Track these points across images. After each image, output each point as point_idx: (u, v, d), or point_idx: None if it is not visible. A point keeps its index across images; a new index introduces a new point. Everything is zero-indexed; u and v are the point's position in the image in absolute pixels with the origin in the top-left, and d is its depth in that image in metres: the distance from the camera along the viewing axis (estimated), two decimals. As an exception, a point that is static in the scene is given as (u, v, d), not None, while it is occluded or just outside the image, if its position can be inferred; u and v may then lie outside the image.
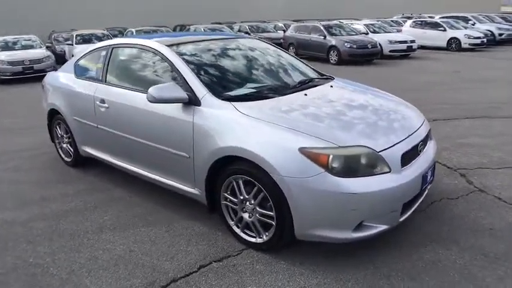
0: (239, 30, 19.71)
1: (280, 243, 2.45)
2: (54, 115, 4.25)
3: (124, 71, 3.34)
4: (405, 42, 14.49)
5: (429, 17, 23.29)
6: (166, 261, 2.52)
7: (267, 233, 2.49)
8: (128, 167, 3.38)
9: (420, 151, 2.60)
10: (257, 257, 2.52)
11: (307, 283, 2.26)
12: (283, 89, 2.96)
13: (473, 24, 18.54)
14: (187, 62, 2.89)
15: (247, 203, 2.52)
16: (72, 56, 13.22)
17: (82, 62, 3.89)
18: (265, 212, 2.43)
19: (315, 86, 3.09)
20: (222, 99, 2.62)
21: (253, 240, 2.57)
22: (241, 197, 2.53)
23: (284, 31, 19.19)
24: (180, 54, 2.97)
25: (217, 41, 3.43)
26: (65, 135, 4.20)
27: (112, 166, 3.69)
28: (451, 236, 2.69)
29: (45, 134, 5.58)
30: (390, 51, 14.42)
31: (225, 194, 2.63)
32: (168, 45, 3.06)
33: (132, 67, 3.29)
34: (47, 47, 13.77)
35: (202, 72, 2.86)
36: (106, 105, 3.33)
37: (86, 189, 3.70)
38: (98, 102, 3.42)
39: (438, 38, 16.85)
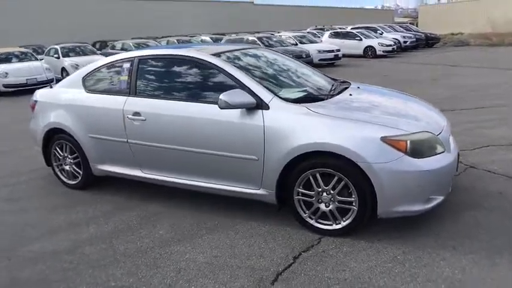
0: (167, 44, 19.45)
1: (359, 225, 2.71)
2: (53, 136, 3.91)
3: (164, 82, 3.28)
4: (332, 51, 15.91)
5: (339, 28, 25.80)
6: (257, 259, 2.59)
7: (344, 219, 2.74)
8: (168, 179, 3.31)
9: (450, 135, 3.11)
10: (337, 241, 2.74)
11: (395, 253, 2.56)
12: (326, 91, 3.25)
13: (381, 34, 21.07)
14: (240, 69, 3.01)
15: (324, 194, 2.74)
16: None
17: (94, 76, 3.67)
18: (345, 198, 2.67)
19: (346, 88, 3.44)
20: (290, 102, 2.81)
21: (329, 227, 2.79)
22: (319, 189, 2.73)
23: (214, 44, 19.48)
24: (230, 63, 3.07)
25: (246, 50, 3.58)
26: (69, 156, 3.88)
27: (131, 182, 3.59)
28: (475, 202, 3.22)
29: (16, 158, 5.09)
30: (319, 60, 15.66)
31: (298, 189, 2.80)
32: (213, 55, 3.13)
33: (174, 78, 3.26)
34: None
35: (255, 78, 3.00)
36: (142, 117, 3.24)
37: (113, 209, 3.50)
38: (130, 116, 3.30)
39: (355, 46, 18.79)
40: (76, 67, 12.48)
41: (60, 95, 3.86)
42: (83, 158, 3.76)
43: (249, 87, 2.86)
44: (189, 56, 3.18)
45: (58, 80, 12.46)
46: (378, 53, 18.04)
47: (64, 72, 12.78)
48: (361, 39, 18.81)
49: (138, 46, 16.35)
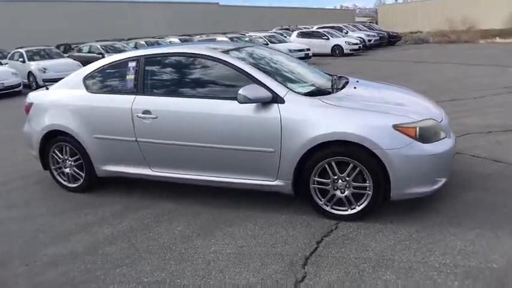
0: (135, 47, 19.07)
1: (372, 209, 2.89)
2: (51, 138, 3.80)
3: (175, 80, 3.31)
4: (303, 50, 16.30)
5: (304, 28, 26.38)
6: (283, 246, 2.70)
7: (359, 203, 2.90)
8: (181, 176, 3.34)
9: None
10: (354, 226, 2.90)
11: (409, 232, 2.76)
12: (329, 85, 3.42)
13: (346, 33, 21.79)
14: (252, 66, 3.10)
15: (340, 181, 2.89)
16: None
17: (96, 77, 3.62)
18: (360, 184, 2.84)
19: (347, 82, 3.62)
20: (303, 95, 2.95)
21: (345, 213, 2.94)
22: (335, 177, 2.88)
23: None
24: (241, 60, 3.15)
25: (247, 48, 3.67)
26: (70, 159, 3.79)
27: (131, 183, 3.62)
28: (469, 183, 3.49)
29: (4, 164, 4.84)
30: (291, 58, 15.98)
31: (314, 178, 2.94)
32: (224, 52, 3.21)
33: (185, 75, 3.30)
34: None
35: (268, 74, 3.10)
36: (153, 115, 3.25)
37: (122, 209, 3.46)
38: (139, 114, 3.29)
39: (323, 45, 19.31)
40: (44, 71, 11.99)
41: (59, 96, 3.77)
42: (85, 159, 3.69)
43: (263, 83, 2.96)
44: (201, 54, 3.23)
45: (25, 85, 11.98)
46: (345, 51, 18.68)
47: (31, 76, 12.20)
48: (328, 39, 19.38)
49: (106, 48, 15.95)
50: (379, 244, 2.65)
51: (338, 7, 77.89)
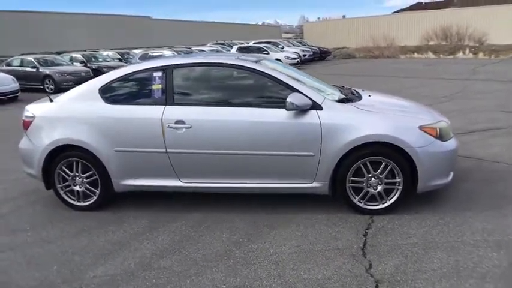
0: (71, 60, 17.83)
1: (400, 202, 3.26)
2: (58, 154, 3.54)
3: (208, 90, 3.37)
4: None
5: (239, 42, 27.17)
6: (335, 242, 2.91)
7: (389, 198, 3.25)
8: (215, 185, 3.38)
9: None
10: (387, 218, 3.23)
11: (435, 219, 3.18)
12: (344, 94, 3.75)
13: (282, 48, 22.89)
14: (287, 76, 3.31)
15: (372, 179, 3.21)
16: None
17: (115, 88, 3.48)
18: (391, 180, 3.19)
19: (357, 91, 3.98)
20: (337, 102, 3.24)
21: (377, 207, 3.27)
22: (369, 175, 3.19)
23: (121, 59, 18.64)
24: (274, 70, 3.34)
25: (263, 60, 3.85)
26: (82, 175, 3.57)
27: (138, 198, 3.58)
28: (457, 177, 4.01)
29: None
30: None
31: (350, 178, 3.22)
32: (256, 63, 3.36)
33: (219, 85, 3.38)
34: None
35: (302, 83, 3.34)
36: (187, 125, 3.25)
37: (150, 223, 3.37)
38: (171, 125, 3.27)
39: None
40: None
41: (70, 108, 3.54)
42: (102, 174, 3.51)
43: (301, 91, 3.18)
44: (235, 65, 3.36)
45: None
46: (284, 65, 19.61)
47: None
48: (268, 53, 20.20)
49: (38, 61, 14.69)
50: (417, 231, 3.01)
51: (260, 23, 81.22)
